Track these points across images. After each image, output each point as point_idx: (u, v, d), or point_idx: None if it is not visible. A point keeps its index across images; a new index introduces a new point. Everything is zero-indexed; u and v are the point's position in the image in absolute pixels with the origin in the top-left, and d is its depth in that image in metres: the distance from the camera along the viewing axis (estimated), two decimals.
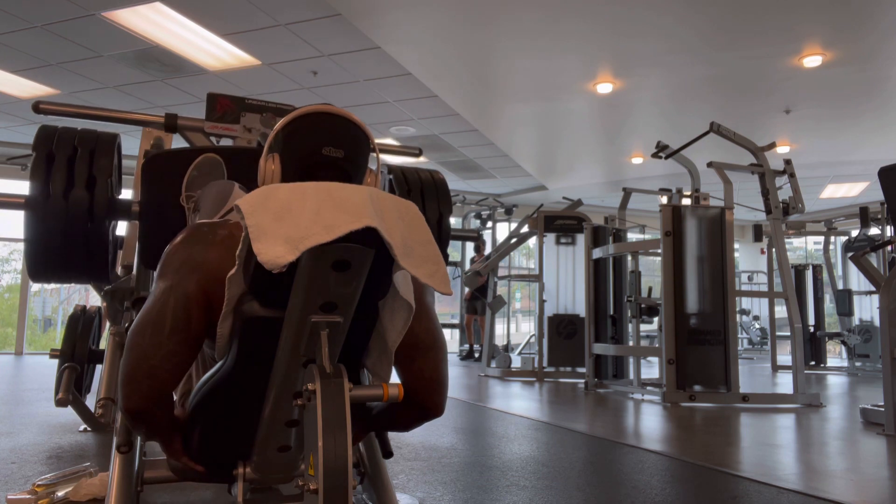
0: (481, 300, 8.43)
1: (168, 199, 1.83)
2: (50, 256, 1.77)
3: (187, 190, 1.85)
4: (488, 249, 9.40)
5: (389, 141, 8.13)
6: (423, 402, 1.32)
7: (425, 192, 2.23)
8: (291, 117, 1.26)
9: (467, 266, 10.01)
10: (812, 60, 5.66)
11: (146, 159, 1.90)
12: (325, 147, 1.21)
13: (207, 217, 1.63)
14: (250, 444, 1.27)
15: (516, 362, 7.27)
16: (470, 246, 10.24)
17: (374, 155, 1.31)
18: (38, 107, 2.08)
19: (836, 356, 10.35)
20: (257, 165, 1.18)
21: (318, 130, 1.23)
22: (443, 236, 2.20)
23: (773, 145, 5.28)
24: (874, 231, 7.83)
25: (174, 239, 1.24)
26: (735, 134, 5.13)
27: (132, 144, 2.15)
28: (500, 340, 8.64)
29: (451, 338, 11.17)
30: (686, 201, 5.51)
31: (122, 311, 2.64)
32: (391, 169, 2.27)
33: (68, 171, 1.75)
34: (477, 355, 8.87)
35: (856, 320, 8.37)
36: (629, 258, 5.99)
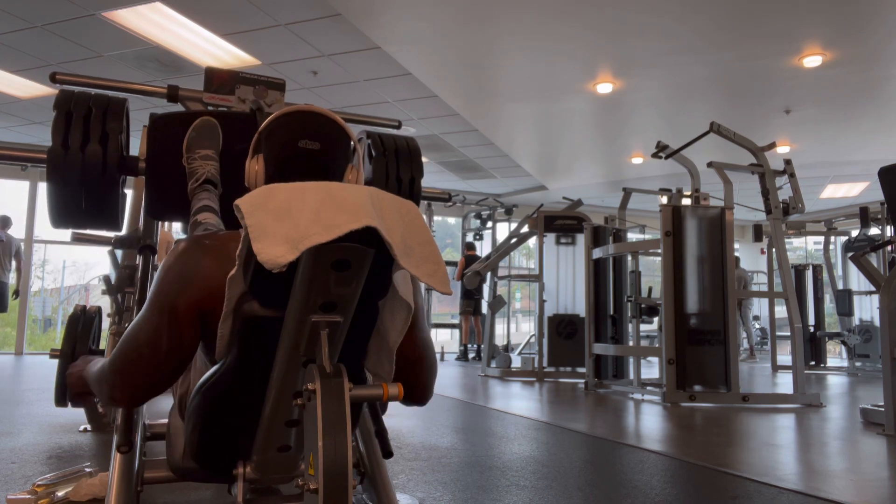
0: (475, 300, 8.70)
1: (171, 156, 1.98)
2: (68, 204, 1.93)
3: (187, 151, 1.95)
4: (488, 249, 9.39)
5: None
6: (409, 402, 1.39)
7: (399, 156, 2.35)
8: (271, 119, 1.33)
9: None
10: (812, 61, 5.65)
11: (151, 120, 2.05)
12: (302, 140, 1.27)
13: None
14: (250, 444, 1.27)
15: (516, 362, 7.27)
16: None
17: (356, 151, 1.34)
18: (54, 77, 2.26)
19: (836, 356, 10.35)
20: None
21: (294, 126, 1.29)
22: (414, 196, 2.35)
23: (773, 145, 5.27)
24: (874, 231, 7.82)
25: (168, 255, 1.25)
26: (735, 134, 5.13)
27: (134, 126, 2.29)
28: (500, 340, 8.64)
29: (451, 338, 11.17)
30: (686, 201, 5.50)
31: (122, 311, 2.65)
32: (369, 134, 2.40)
33: (84, 128, 1.90)
34: (472, 355, 8.95)
35: (856, 320, 8.36)
36: (629, 258, 5.98)
